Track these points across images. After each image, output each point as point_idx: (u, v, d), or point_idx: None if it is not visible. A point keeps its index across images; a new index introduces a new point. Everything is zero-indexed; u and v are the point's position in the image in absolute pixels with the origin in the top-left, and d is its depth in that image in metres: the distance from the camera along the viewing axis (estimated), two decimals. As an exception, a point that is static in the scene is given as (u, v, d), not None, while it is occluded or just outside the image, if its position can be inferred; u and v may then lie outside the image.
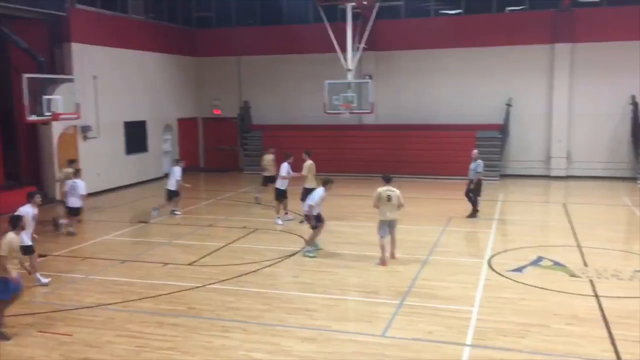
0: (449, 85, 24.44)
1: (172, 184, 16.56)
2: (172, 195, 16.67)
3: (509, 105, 23.51)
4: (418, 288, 10.22)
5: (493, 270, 11.22)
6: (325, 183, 12.58)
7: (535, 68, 23.45)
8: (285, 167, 15.69)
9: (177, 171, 16.61)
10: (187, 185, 17.18)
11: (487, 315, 8.94)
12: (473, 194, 16.01)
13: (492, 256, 12.19)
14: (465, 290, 10.09)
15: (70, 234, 14.45)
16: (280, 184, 15.71)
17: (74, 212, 14.37)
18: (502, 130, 23.56)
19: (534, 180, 23.07)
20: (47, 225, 14.82)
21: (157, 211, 16.49)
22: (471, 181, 15.94)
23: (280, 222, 15.47)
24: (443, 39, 24.20)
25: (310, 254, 12.35)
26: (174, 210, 16.79)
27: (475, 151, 16.44)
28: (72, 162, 15.57)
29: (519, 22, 23.60)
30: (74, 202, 14.19)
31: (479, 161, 16.02)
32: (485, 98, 23.92)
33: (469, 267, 11.53)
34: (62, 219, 14.80)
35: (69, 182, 14.34)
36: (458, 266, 11.60)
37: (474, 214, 15.99)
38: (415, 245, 13.14)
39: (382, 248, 11.81)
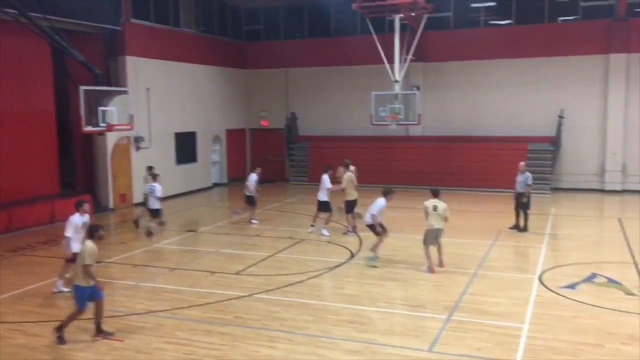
0: (498, 97, 24.05)
1: (250, 190, 16.90)
2: (250, 201, 17.02)
3: (561, 117, 22.94)
4: (466, 303, 10.03)
5: (544, 286, 10.91)
6: (386, 193, 12.54)
7: (588, 79, 22.83)
8: (326, 180, 15.64)
9: (252, 178, 16.99)
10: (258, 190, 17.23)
11: (538, 332, 8.69)
12: (523, 208, 15.63)
13: (544, 272, 11.86)
14: (515, 306, 9.84)
15: (149, 234, 15.42)
16: (322, 196, 15.63)
17: (153, 213, 15.47)
18: (554, 142, 23.00)
19: (587, 194, 22.39)
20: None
21: (237, 214, 17.05)
22: (520, 195, 15.54)
23: (326, 232, 15.42)
24: (493, 49, 23.88)
25: (374, 263, 12.33)
26: (251, 219, 17.05)
27: (522, 163, 16.05)
28: (150, 167, 16.75)
29: (572, 32, 23.05)
30: (153, 203, 15.39)
31: (528, 173, 15.64)
32: (537, 109, 23.42)
33: (519, 282, 11.25)
34: (147, 220, 15.79)
35: (148, 186, 15.58)
36: (508, 281, 11.34)
37: (524, 228, 15.61)
38: (463, 259, 12.92)
39: (428, 256, 11.94)
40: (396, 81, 20.73)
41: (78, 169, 20.23)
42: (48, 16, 15.39)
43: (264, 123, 27.72)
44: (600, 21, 22.54)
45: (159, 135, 21.75)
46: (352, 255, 13.32)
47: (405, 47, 21.22)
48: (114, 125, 15.07)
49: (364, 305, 9.98)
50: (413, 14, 21.40)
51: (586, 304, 9.89)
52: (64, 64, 17.91)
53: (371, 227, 12.65)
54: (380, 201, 12.46)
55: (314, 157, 25.42)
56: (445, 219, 11.98)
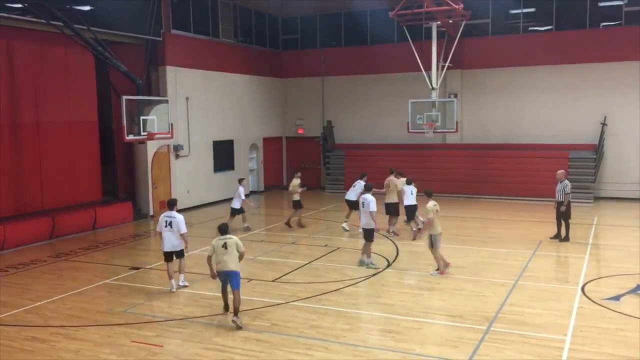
0: (538, 104, 23.63)
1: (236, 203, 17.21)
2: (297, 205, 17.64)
3: (603, 124, 22.39)
4: (506, 314, 9.85)
5: (587, 297, 10.63)
6: (369, 189, 13.31)
7: (632, 85, 22.20)
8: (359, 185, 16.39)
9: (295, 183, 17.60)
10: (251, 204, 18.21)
11: (581, 345, 8.47)
12: (563, 217, 15.28)
13: (586, 283, 11.56)
14: (557, 317, 9.61)
15: (246, 229, 17.21)
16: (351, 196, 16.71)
17: (232, 212, 17.13)
18: (597, 150, 22.44)
19: (631, 203, 21.73)
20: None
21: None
22: (560, 203, 15.21)
23: (346, 227, 16.64)
24: (533, 56, 23.49)
25: (375, 265, 12.90)
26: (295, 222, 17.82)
27: (561, 171, 15.69)
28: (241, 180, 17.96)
29: (615, 37, 22.47)
30: (234, 204, 17.17)
31: (566, 182, 15.30)
32: (578, 116, 22.92)
33: (561, 293, 10.99)
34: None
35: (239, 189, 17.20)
36: (549, 292, 11.09)
37: (565, 238, 15.26)
38: (503, 269, 12.71)
39: (441, 258, 12.35)
40: (433, 89, 20.60)
41: (119, 177, 20.70)
42: (92, 28, 15.86)
43: (301, 131, 27.88)
44: (644, 26, 21.96)
45: (197, 143, 22.08)
46: (389, 264, 13.24)
47: (442, 54, 21.08)
48: (155, 134, 15.38)
49: (401, 314, 9.89)
50: (450, 21, 21.27)
51: (631, 316, 9.60)
52: (106, 74, 18.41)
53: (370, 231, 12.89)
54: (372, 197, 12.93)
55: (350, 165, 25.42)
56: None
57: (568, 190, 15.17)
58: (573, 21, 23.15)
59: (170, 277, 11.40)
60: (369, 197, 12.95)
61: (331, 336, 8.95)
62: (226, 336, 9.00)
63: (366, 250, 13.03)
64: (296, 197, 17.49)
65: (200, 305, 10.54)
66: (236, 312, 9.38)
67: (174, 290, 11.33)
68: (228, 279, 9.65)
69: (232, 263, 9.58)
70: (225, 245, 9.71)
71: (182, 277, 11.64)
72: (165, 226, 11.28)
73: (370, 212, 12.76)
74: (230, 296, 9.77)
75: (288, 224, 17.62)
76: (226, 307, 9.98)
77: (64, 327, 9.53)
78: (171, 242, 11.33)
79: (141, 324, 9.59)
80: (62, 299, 11.05)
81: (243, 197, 17.23)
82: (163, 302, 10.75)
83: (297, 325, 9.42)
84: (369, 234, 12.92)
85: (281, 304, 10.50)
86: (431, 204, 12.45)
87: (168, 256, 11.45)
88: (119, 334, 9.17)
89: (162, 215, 11.51)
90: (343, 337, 8.92)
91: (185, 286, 11.57)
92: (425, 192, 13.21)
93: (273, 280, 12.05)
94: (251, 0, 24.92)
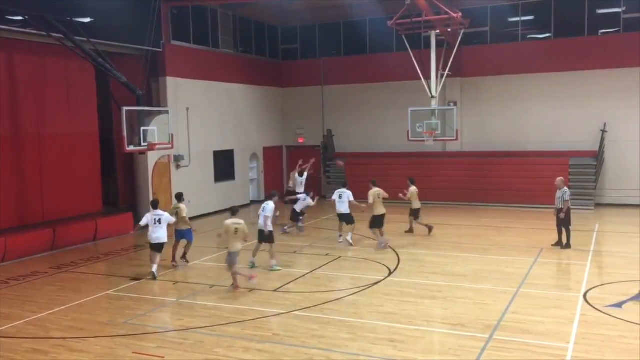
0: (538, 111, 23.68)
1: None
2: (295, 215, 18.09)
3: (604, 131, 22.41)
4: (508, 322, 9.82)
5: (589, 305, 10.60)
6: (272, 196, 14.40)
7: (632, 92, 22.23)
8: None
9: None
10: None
11: (583, 352, 8.43)
12: (563, 224, 15.27)
13: (588, 290, 11.53)
14: (560, 325, 9.58)
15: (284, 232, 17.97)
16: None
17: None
18: (597, 157, 22.46)
19: (632, 209, 21.70)
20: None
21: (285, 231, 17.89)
22: (560, 211, 15.20)
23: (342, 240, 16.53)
24: (532, 63, 23.56)
25: (278, 268, 13.56)
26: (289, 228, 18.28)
27: (559, 179, 15.70)
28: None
29: (614, 44, 22.53)
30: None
31: (565, 189, 15.30)
32: (578, 124, 22.95)
33: (563, 301, 10.96)
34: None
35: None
36: (551, 300, 11.05)
37: (567, 245, 15.24)
38: (504, 277, 12.68)
39: (381, 234, 15.53)
40: (433, 97, 20.64)
41: (120, 188, 20.71)
42: (92, 40, 15.94)
43: (301, 140, 27.92)
44: (643, 33, 22.03)
45: (198, 153, 22.11)
46: (390, 272, 13.22)
47: (441, 63, 21.14)
48: (155, 144, 15.42)
49: (403, 323, 9.86)
50: (449, 30, 21.34)
51: (634, 323, 9.56)
52: (107, 85, 18.48)
53: (270, 234, 13.66)
54: (271, 204, 13.75)
55: (351, 173, 25.42)
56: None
57: (567, 197, 15.16)
58: (572, 29, 23.21)
59: (153, 262, 13.11)
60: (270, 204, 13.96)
61: (333, 346, 8.91)
62: (227, 347, 8.97)
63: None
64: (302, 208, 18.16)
65: (201, 315, 10.52)
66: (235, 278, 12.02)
67: (156, 275, 12.97)
68: (235, 258, 11.83)
69: (240, 245, 11.95)
70: (236, 231, 11.88)
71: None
72: (155, 223, 13.01)
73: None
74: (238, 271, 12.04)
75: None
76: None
77: (65, 338, 9.50)
78: (162, 235, 13.10)
79: (142, 335, 9.57)
80: (63, 310, 11.02)
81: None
82: (164, 313, 10.73)
83: (299, 335, 9.39)
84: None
85: (283, 313, 10.47)
86: (375, 190, 15.42)
87: (158, 247, 13.16)
88: (120, 345, 9.14)
89: (148, 214, 13.27)
90: (345, 346, 8.89)
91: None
92: (371, 182, 15.95)
93: (274, 290, 12.02)
94: (251, 10, 25.04)
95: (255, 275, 12.36)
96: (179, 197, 14.58)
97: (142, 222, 13.42)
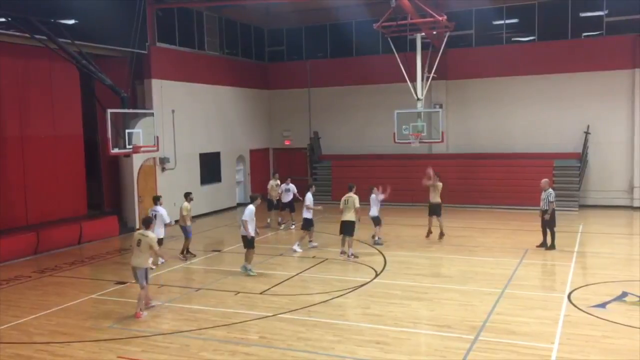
0: (523, 113, 23.88)
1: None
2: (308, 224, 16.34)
3: (587, 133, 22.65)
4: (493, 323, 9.87)
5: (573, 305, 10.70)
6: (253, 199, 13.90)
7: (615, 94, 22.53)
8: (309, 197, 16.32)
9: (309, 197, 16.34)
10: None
11: (568, 353, 8.50)
12: (548, 225, 15.40)
13: (572, 291, 11.63)
14: (544, 326, 9.66)
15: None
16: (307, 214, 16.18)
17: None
18: (581, 158, 22.68)
19: (615, 211, 21.96)
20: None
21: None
22: (545, 212, 15.34)
23: (298, 249, 15.82)
24: (516, 66, 23.78)
25: (252, 272, 13.38)
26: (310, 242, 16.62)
27: (544, 180, 15.84)
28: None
29: (597, 47, 22.81)
30: (285, 199, 19.22)
31: (550, 190, 15.44)
32: (563, 126, 23.18)
33: (548, 301, 11.05)
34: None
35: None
36: (536, 300, 11.14)
37: (551, 246, 15.36)
38: (489, 278, 12.76)
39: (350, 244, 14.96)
40: (419, 99, 20.70)
41: (105, 190, 20.54)
42: (76, 42, 15.80)
43: (288, 142, 27.90)
44: (625, 36, 22.29)
45: (184, 156, 22.00)
46: (377, 274, 13.24)
47: (427, 65, 21.22)
48: (140, 147, 15.31)
49: (389, 325, 9.88)
50: (434, 33, 21.45)
51: (617, 323, 9.66)
52: (91, 87, 18.30)
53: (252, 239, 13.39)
54: (250, 207, 13.38)
55: (337, 176, 25.45)
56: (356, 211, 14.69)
57: (552, 198, 15.29)
58: (555, 32, 23.46)
59: None
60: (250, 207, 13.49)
61: (320, 348, 8.91)
62: (214, 350, 8.92)
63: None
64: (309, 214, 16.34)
65: (187, 319, 10.45)
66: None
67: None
68: (137, 273, 10.71)
69: (140, 260, 10.70)
70: (139, 242, 10.60)
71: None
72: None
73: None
74: None
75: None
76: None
77: (48, 343, 9.40)
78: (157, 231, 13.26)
79: (127, 339, 9.49)
80: (46, 314, 10.91)
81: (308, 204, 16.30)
82: (149, 317, 10.64)
83: (286, 338, 9.37)
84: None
85: (269, 316, 10.44)
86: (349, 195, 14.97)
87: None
88: (105, 349, 9.06)
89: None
90: (332, 349, 8.89)
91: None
92: (348, 186, 15.43)
93: (261, 293, 11.99)
94: (237, 12, 24.99)
95: (141, 314, 10.63)
96: (185, 195, 15.48)
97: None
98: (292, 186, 19.56)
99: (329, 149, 26.98)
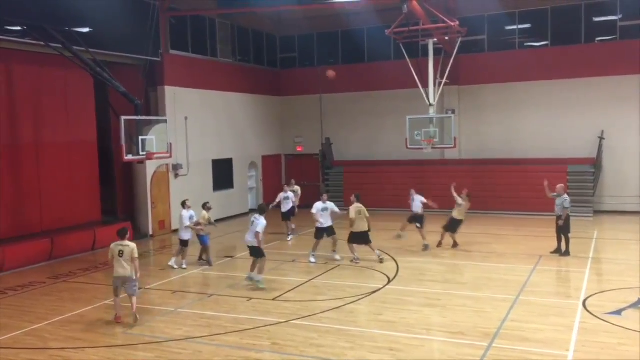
0: (536, 119, 23.75)
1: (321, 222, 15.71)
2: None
3: (601, 138, 22.46)
4: (507, 330, 9.80)
5: (589, 312, 10.59)
6: (263, 211, 13.16)
7: (629, 99, 22.32)
8: (316, 206, 15.64)
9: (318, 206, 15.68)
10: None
11: (583, 360, 8.42)
12: (562, 231, 15.27)
13: (587, 297, 11.52)
14: (559, 333, 9.56)
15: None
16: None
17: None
18: (595, 164, 22.49)
19: (631, 216, 21.72)
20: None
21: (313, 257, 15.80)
22: (559, 217, 15.22)
23: (313, 259, 15.42)
24: (529, 71, 23.66)
25: (262, 285, 12.76)
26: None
27: (560, 185, 15.72)
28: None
29: (610, 52, 22.64)
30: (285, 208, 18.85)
31: (565, 196, 15.30)
32: (576, 131, 23.01)
33: (562, 308, 10.94)
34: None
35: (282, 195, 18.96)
36: (550, 307, 11.04)
37: (566, 252, 15.22)
38: (503, 285, 12.67)
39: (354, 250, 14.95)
40: (431, 105, 20.68)
41: (118, 197, 20.68)
42: (91, 49, 15.97)
43: (299, 149, 27.96)
44: (639, 40, 22.11)
45: (196, 162, 22.12)
46: (389, 281, 13.20)
47: (439, 71, 21.20)
48: (154, 153, 15.42)
49: (402, 332, 9.84)
50: (447, 38, 21.44)
51: (633, 330, 9.54)
52: (105, 95, 18.49)
53: (256, 248, 12.80)
54: (263, 220, 12.69)
55: (350, 182, 25.44)
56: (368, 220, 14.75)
57: (567, 204, 15.17)
58: (568, 36, 23.33)
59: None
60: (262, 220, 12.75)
61: (332, 355, 8.88)
62: (226, 356, 8.94)
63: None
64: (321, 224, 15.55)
65: (200, 325, 10.48)
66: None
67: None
68: (117, 282, 10.83)
69: (122, 270, 10.62)
70: (120, 253, 10.63)
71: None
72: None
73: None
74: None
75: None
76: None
77: (63, 349, 9.47)
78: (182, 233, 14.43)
79: (141, 345, 9.53)
80: (61, 320, 10.99)
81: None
82: (162, 323, 10.69)
83: (298, 344, 9.36)
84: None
85: (281, 322, 10.44)
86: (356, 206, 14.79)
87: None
88: (118, 355, 9.11)
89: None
90: (344, 355, 8.86)
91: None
92: (355, 196, 15.18)
93: (273, 299, 11.99)
94: (249, 19, 25.14)
95: (119, 318, 10.74)
96: (203, 205, 15.59)
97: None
98: (290, 194, 19.11)
99: (341, 155, 26.98)
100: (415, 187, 18.27)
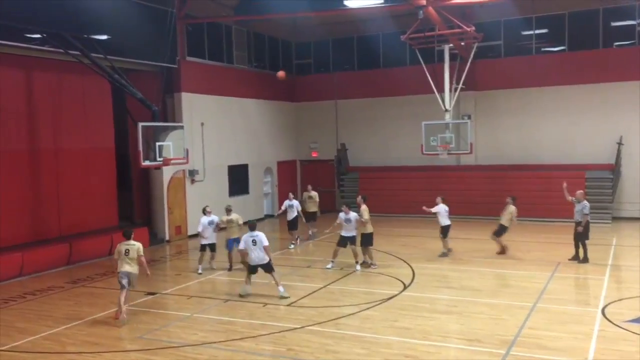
0: (553, 124, 23.54)
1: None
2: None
3: (620, 143, 22.21)
4: (525, 337, 9.69)
5: (608, 320, 10.45)
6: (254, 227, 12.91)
7: (648, 104, 22.07)
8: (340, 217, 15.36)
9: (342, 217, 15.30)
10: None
11: (602, 369, 8.31)
12: (580, 238, 15.10)
13: (606, 305, 11.37)
14: (577, 341, 9.45)
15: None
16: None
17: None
18: (614, 170, 22.23)
19: (651, 223, 21.44)
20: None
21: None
22: (578, 224, 15.06)
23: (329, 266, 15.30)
24: (546, 76, 23.48)
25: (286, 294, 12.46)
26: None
27: (579, 192, 15.55)
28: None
29: (629, 57, 22.38)
30: (290, 216, 18.46)
31: (585, 202, 15.13)
32: (594, 136, 22.78)
33: (581, 316, 10.81)
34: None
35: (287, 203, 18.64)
36: (568, 315, 10.92)
37: (584, 259, 15.05)
38: (521, 292, 12.55)
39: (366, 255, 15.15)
40: (447, 110, 20.62)
41: (135, 202, 20.85)
42: (109, 57, 16.15)
43: (315, 154, 28.00)
44: (659, 45, 21.89)
45: (212, 168, 22.24)
46: (405, 287, 13.14)
47: (455, 77, 21.13)
48: (170, 159, 15.51)
49: (418, 338, 9.78)
50: (463, 44, 21.37)
51: (654, 339, 9.41)
52: (123, 101, 18.68)
53: (268, 264, 12.52)
54: (262, 234, 12.49)
55: (365, 187, 25.37)
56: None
57: (587, 211, 15.00)
58: (586, 41, 23.13)
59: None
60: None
61: (348, 361, 8.86)
62: (242, 362, 8.95)
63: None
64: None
65: (215, 330, 10.52)
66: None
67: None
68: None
69: (129, 267, 11.17)
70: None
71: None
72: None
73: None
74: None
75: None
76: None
77: (80, 353, 9.54)
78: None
79: (157, 350, 9.58)
80: (78, 325, 11.08)
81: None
82: (179, 328, 10.74)
83: (313, 351, 9.34)
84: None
85: (297, 328, 10.43)
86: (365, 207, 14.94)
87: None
88: (135, 360, 9.17)
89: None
90: (360, 362, 8.84)
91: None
92: (362, 198, 15.42)
93: (289, 305, 12.00)
94: (265, 26, 25.27)
95: (119, 315, 11.07)
96: (227, 210, 15.89)
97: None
98: (295, 202, 18.66)
99: (356, 160, 26.97)
100: (431, 193, 18.18)
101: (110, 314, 11.73)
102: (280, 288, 12.50)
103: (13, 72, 16.25)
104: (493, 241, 16.60)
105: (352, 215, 15.10)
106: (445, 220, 16.37)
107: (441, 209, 16.38)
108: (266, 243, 12.42)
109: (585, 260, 15.01)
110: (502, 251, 16.43)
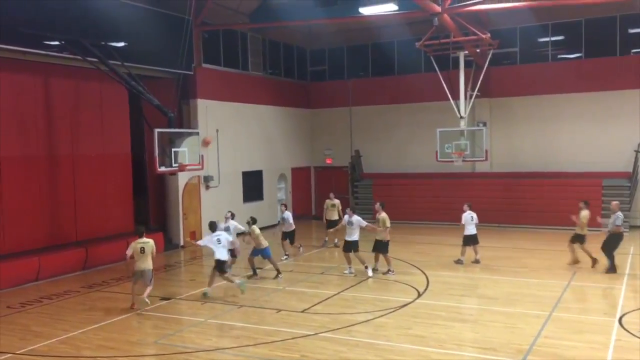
0: (570, 132, 23.35)
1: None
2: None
3: (638, 151, 21.97)
4: (540, 346, 9.60)
5: (625, 329, 10.32)
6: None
7: (666, 111, 21.83)
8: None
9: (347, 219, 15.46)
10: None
11: (620, 380, 8.20)
12: (608, 247, 14.87)
13: (624, 314, 11.23)
14: (594, 350, 9.34)
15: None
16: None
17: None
18: (631, 178, 21.98)
19: (669, 232, 21.15)
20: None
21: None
22: (611, 233, 14.82)
23: (370, 272, 15.13)
24: (563, 83, 23.32)
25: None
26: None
27: (614, 202, 15.25)
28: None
29: (646, 63, 22.21)
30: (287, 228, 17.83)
31: (619, 213, 14.84)
32: (611, 144, 22.55)
33: (598, 325, 10.69)
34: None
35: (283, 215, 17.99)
36: (585, 324, 10.79)
37: (611, 269, 14.78)
38: (536, 300, 12.43)
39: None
40: (462, 117, 20.55)
41: (151, 208, 21.00)
42: (126, 63, 16.33)
43: (329, 161, 28.02)
44: (677, 51, 21.67)
45: (227, 174, 22.35)
46: (419, 295, 13.08)
47: (470, 83, 21.06)
48: (186, 165, 15.62)
49: (432, 346, 9.73)
50: (478, 50, 21.31)
51: (673, 350, 9.27)
52: (139, 107, 18.86)
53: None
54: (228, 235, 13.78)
55: (379, 194, 25.31)
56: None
57: (619, 222, 14.70)
58: (603, 48, 22.94)
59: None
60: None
61: (361, 368, 8.84)
62: (255, 368, 8.96)
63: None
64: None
65: (230, 336, 10.55)
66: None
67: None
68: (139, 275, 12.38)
69: (144, 265, 12.26)
70: (142, 250, 12.26)
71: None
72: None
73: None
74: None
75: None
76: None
77: (95, 357, 9.62)
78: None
79: (172, 355, 9.62)
80: (94, 329, 11.16)
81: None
82: (193, 333, 10.78)
83: (327, 357, 9.33)
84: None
85: (310, 335, 10.42)
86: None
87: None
88: (149, 364, 9.21)
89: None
90: (373, 369, 8.81)
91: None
92: (380, 205, 15.29)
93: (302, 311, 11.99)
94: (280, 33, 25.41)
95: (134, 306, 12.41)
96: (253, 220, 15.82)
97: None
98: (287, 214, 17.92)
99: (370, 167, 26.95)
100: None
101: (125, 319, 11.82)
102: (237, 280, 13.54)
103: (32, 78, 16.46)
104: (572, 251, 15.83)
105: (355, 218, 15.16)
106: (468, 229, 16.19)
107: (464, 217, 16.23)
108: (232, 239, 13.78)
109: (613, 269, 14.73)
110: (576, 261, 15.70)
